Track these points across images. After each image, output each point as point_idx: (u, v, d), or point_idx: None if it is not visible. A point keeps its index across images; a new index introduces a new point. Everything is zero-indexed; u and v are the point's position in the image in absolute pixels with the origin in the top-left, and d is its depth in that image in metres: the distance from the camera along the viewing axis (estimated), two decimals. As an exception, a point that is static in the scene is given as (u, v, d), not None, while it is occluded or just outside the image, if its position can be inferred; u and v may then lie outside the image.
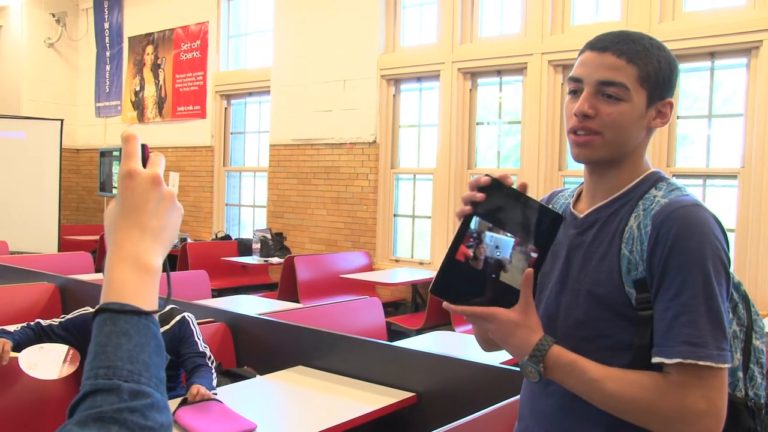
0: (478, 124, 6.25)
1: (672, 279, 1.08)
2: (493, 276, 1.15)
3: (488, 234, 1.15)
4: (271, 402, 2.68)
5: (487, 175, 1.16)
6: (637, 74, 1.16)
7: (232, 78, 8.10)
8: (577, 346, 1.13)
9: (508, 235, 1.15)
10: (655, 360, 1.08)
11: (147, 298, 0.70)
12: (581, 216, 1.24)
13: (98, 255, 6.96)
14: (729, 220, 4.88)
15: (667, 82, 1.19)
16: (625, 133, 1.17)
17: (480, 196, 1.14)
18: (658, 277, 1.10)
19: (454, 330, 4.81)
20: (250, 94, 8.02)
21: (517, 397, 2.15)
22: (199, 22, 8.28)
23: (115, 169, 0.78)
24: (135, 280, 0.70)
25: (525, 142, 5.82)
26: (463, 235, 1.15)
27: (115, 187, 0.76)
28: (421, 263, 6.55)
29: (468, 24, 6.21)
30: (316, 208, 7.15)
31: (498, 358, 3.10)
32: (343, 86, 6.90)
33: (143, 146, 0.77)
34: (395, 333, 5.04)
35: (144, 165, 0.76)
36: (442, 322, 5.22)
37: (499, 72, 6.06)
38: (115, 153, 0.83)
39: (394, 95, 6.70)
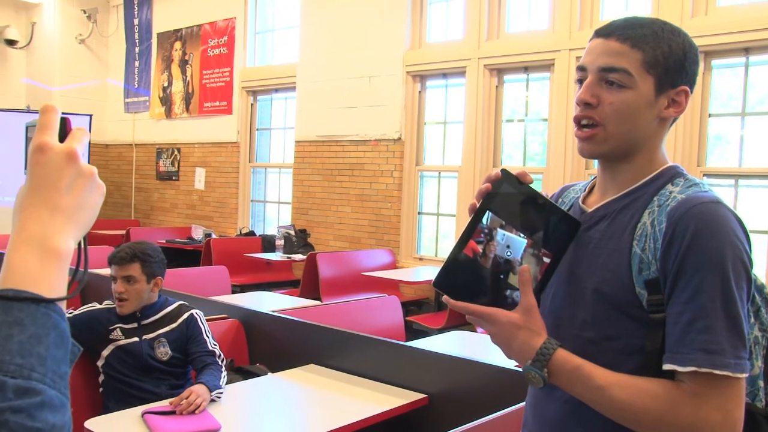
0: (508, 121, 6.15)
1: (688, 280, 1.00)
2: (501, 276, 1.09)
3: (500, 232, 1.09)
4: (281, 400, 2.64)
5: (503, 169, 1.11)
6: (642, 59, 1.08)
7: (259, 74, 8.11)
8: (583, 349, 1.07)
9: (521, 235, 1.09)
10: (667, 367, 1.01)
11: (50, 285, 0.63)
12: (589, 211, 1.17)
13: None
14: (763, 221, 4.72)
15: (680, 68, 1.10)
16: (631, 124, 1.10)
17: (486, 186, 1.09)
18: (672, 277, 1.02)
19: (475, 330, 4.74)
20: (276, 90, 8.02)
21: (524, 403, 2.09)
22: (227, 18, 8.29)
23: None
24: (37, 264, 0.63)
25: (551, 139, 5.71)
26: (473, 229, 1.09)
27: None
28: (444, 262, 6.46)
29: (495, 19, 6.11)
30: (341, 205, 7.11)
31: (512, 360, 3.02)
32: (368, 82, 6.85)
33: (64, 120, 0.70)
34: (417, 332, 4.98)
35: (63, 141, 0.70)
36: (464, 321, 5.13)
37: (526, 68, 5.96)
38: None
39: (419, 92, 6.63)
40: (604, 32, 1.12)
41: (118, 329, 2.65)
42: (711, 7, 4.98)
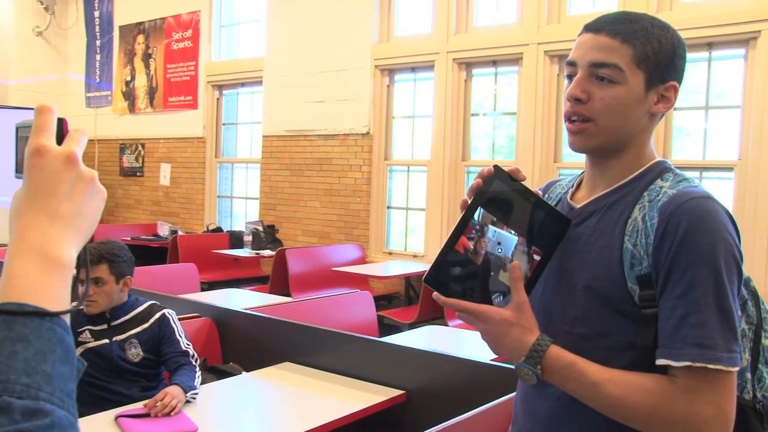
0: (473, 115, 6.17)
1: (681, 276, 1.00)
2: (492, 274, 1.08)
3: (491, 228, 1.09)
4: (257, 400, 2.60)
5: (495, 165, 1.10)
6: (632, 55, 1.08)
7: (224, 68, 7.99)
8: (575, 346, 1.07)
9: (512, 232, 1.09)
10: (661, 362, 1.01)
11: (53, 297, 0.59)
12: (578, 206, 1.17)
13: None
14: (726, 214, 4.82)
15: (669, 63, 1.11)
16: (621, 119, 1.10)
17: (478, 182, 1.09)
18: (664, 273, 1.02)
19: (447, 324, 4.75)
20: (243, 84, 7.92)
21: (510, 395, 2.09)
22: (191, 11, 8.15)
23: None
24: (39, 275, 0.60)
25: (520, 133, 5.74)
26: (465, 225, 1.08)
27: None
28: (414, 256, 6.48)
29: (463, 13, 6.12)
30: (309, 200, 7.07)
31: (489, 354, 3.03)
32: (336, 76, 6.80)
33: (61, 121, 0.67)
34: (388, 327, 4.97)
35: (60, 143, 0.66)
36: (435, 315, 5.16)
37: (494, 62, 5.98)
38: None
39: (388, 86, 6.61)
40: (594, 27, 1.11)
41: (87, 331, 2.58)
42: (675, 3, 5.05)
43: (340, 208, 6.84)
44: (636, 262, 1.05)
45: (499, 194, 1.09)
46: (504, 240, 1.09)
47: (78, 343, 2.56)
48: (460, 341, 3.70)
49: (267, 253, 6.53)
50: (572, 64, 1.13)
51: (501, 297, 1.09)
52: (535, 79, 5.59)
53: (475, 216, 1.08)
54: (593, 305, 1.09)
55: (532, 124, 5.62)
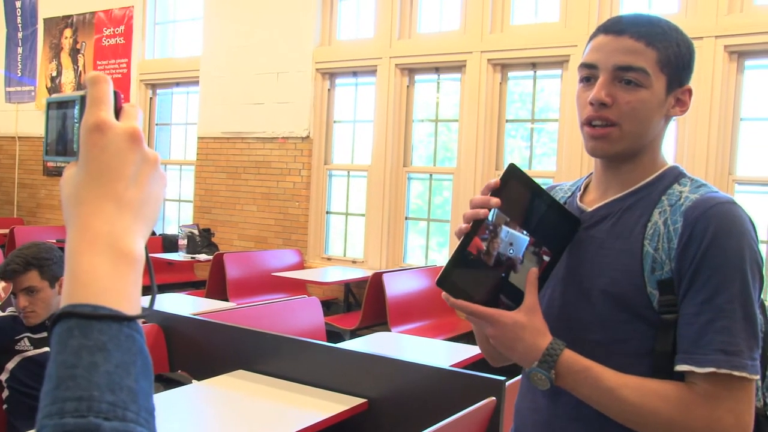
0: (418, 121, 6.18)
1: (706, 280, 0.99)
2: (503, 275, 1.05)
3: (504, 228, 1.06)
4: (209, 410, 2.49)
5: (511, 164, 1.06)
6: (656, 58, 1.07)
7: (159, 66, 7.73)
8: (589, 353, 1.04)
9: (524, 233, 1.06)
10: (682, 368, 0.99)
11: (127, 297, 0.52)
12: (589, 210, 1.14)
13: (8, 250, 6.48)
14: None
15: (687, 66, 1.11)
16: (645, 123, 1.08)
17: (495, 201, 1.04)
18: (689, 277, 1.01)
19: (390, 330, 4.72)
20: (178, 84, 7.68)
21: (480, 404, 2.07)
22: (123, 7, 7.85)
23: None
24: (112, 271, 0.52)
25: (462, 140, 5.78)
26: (479, 225, 1.04)
27: (76, 149, 0.56)
28: (354, 262, 6.42)
29: (406, 19, 6.12)
30: (246, 203, 6.91)
31: (448, 360, 3.01)
32: (276, 79, 6.68)
33: (115, 93, 0.58)
34: (330, 333, 4.89)
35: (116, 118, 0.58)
36: (378, 322, 5.12)
37: (437, 69, 6.00)
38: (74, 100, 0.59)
39: (329, 89, 6.55)
40: (615, 29, 1.09)
41: (25, 339, 2.41)
42: (506, 25, 5.20)
43: (278, 212, 6.72)
44: (657, 266, 1.04)
45: (514, 193, 1.07)
46: (516, 240, 1.07)
47: (16, 352, 2.39)
48: (409, 347, 3.67)
49: (203, 257, 6.34)
50: (591, 66, 1.10)
51: (510, 300, 1.06)
52: (477, 86, 5.64)
53: (490, 216, 1.05)
54: (609, 310, 1.07)
55: (475, 131, 5.67)
